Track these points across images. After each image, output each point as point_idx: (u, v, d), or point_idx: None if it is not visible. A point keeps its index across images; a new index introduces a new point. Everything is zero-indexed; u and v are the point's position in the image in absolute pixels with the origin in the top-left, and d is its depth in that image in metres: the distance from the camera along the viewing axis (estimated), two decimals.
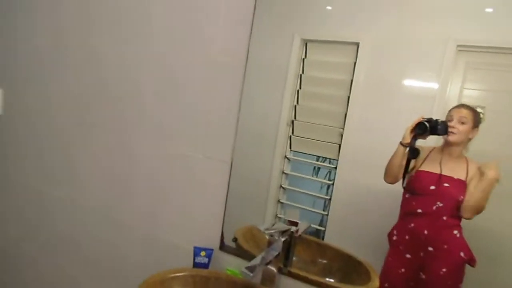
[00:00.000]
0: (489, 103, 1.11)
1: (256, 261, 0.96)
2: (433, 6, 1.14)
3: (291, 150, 1.39)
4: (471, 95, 1.12)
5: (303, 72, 1.33)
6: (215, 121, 1.35)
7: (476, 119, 1.07)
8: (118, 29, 1.52)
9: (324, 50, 1.32)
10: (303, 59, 1.32)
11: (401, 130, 1.15)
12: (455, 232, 1.06)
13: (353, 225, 1.27)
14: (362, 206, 1.26)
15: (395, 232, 1.15)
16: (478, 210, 1.02)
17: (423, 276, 1.08)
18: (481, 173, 1.03)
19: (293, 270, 1.17)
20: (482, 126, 1.08)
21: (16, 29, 1.81)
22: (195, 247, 1.26)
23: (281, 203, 1.40)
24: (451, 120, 1.08)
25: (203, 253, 1.24)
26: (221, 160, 1.31)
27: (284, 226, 1.11)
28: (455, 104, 1.12)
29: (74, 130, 1.65)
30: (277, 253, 1.04)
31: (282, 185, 1.40)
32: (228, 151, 1.31)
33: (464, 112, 1.07)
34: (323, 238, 1.31)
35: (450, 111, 1.10)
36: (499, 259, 1.06)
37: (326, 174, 1.35)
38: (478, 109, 1.08)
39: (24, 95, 1.82)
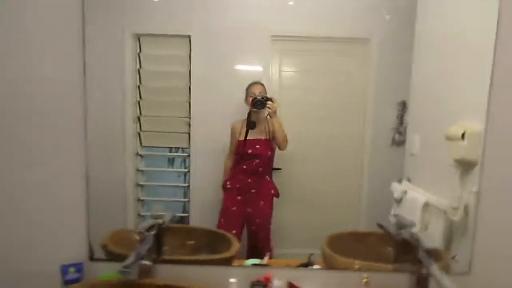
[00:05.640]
0: (301, 81, 1.38)
1: (131, 258, 1.02)
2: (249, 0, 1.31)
3: (142, 146, 1.37)
4: (288, 76, 1.37)
5: (140, 66, 1.32)
6: (63, 136, 1.23)
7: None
8: None
9: (158, 43, 1.34)
10: (139, 54, 1.31)
11: (236, 111, 1.31)
12: (267, 177, 1.43)
13: (212, 204, 1.40)
14: (217, 185, 1.39)
15: (228, 182, 1.41)
16: (284, 139, 1.37)
17: (249, 210, 1.42)
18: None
19: (166, 257, 1.23)
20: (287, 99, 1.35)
21: None
22: (62, 266, 1.20)
23: (142, 200, 1.39)
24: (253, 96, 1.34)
25: (72, 269, 1.19)
26: (76, 173, 1.24)
27: (151, 222, 1.19)
28: (278, 85, 1.35)
29: None
30: (149, 246, 1.12)
31: (139, 183, 1.38)
32: (81, 163, 1.24)
33: (261, 88, 1.36)
34: (188, 223, 1.39)
35: (248, 88, 1.35)
36: (294, 191, 1.44)
37: (181, 163, 1.41)
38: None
39: None
